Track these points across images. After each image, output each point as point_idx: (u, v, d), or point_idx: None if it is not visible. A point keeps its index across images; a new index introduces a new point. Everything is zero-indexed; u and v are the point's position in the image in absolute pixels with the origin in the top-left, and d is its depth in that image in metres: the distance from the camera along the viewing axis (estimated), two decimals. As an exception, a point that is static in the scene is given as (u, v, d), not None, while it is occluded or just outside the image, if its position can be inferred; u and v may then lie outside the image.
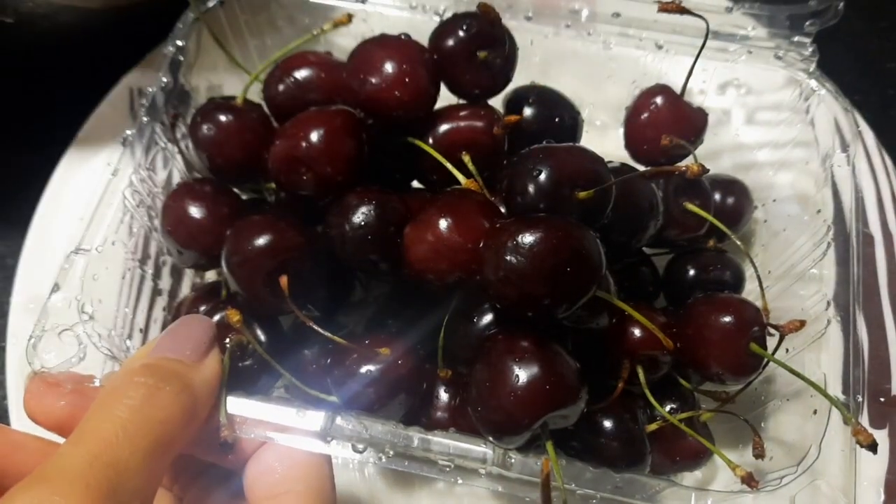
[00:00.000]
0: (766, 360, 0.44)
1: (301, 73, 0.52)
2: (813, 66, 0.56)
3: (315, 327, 0.43)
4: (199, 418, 0.37)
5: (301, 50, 0.54)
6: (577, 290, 0.39)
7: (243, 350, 0.44)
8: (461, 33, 0.48)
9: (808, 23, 0.57)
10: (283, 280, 0.43)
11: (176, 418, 0.35)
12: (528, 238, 0.38)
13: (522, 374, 0.38)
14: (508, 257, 0.38)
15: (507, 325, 0.43)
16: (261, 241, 0.43)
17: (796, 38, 0.57)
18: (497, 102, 0.59)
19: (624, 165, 0.50)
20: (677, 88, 0.53)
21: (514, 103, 0.55)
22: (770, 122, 0.60)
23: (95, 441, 0.32)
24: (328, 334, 0.43)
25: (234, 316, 0.42)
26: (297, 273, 0.44)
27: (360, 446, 0.40)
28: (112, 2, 0.65)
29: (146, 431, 0.33)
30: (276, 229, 0.44)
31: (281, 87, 0.52)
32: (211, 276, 0.60)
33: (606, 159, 0.44)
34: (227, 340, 0.42)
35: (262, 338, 0.47)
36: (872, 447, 0.37)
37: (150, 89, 0.53)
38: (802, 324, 0.46)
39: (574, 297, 0.39)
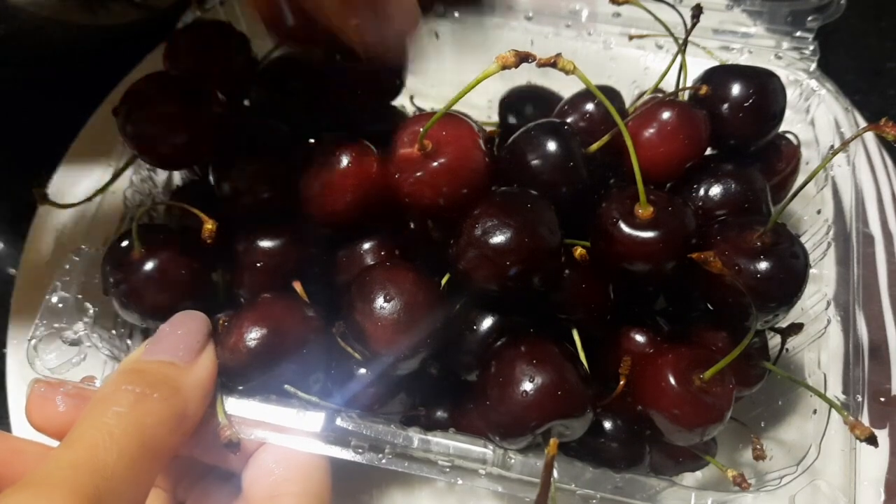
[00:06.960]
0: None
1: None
2: (813, 66, 0.56)
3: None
4: (191, 421, 0.37)
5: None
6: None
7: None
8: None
9: (809, 18, 0.56)
10: (298, 285, 0.44)
11: (165, 424, 0.35)
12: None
13: (536, 377, 0.38)
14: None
15: (520, 330, 0.43)
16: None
17: (798, 34, 0.57)
18: (495, 102, 0.59)
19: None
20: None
21: (510, 103, 0.55)
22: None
23: (82, 447, 0.32)
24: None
25: None
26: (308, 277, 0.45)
27: (360, 447, 0.40)
28: (101, 21, 0.65)
29: (133, 437, 0.33)
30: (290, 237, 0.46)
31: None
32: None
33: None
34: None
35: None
36: (871, 440, 0.37)
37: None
38: (801, 327, 0.46)
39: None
